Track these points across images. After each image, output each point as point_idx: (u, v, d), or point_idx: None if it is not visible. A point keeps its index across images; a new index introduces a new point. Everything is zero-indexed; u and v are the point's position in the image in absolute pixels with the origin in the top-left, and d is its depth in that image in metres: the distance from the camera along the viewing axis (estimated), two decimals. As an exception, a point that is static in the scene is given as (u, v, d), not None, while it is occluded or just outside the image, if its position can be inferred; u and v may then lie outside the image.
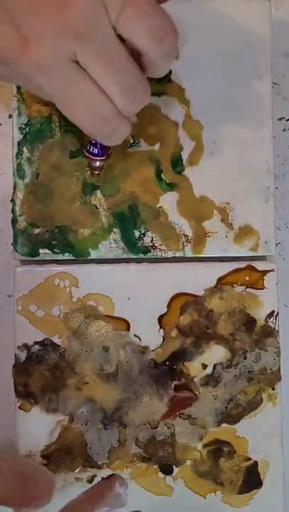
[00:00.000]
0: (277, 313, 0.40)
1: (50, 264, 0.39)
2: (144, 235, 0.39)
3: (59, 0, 0.28)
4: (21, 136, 0.39)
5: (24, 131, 0.39)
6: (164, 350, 0.39)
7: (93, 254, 0.39)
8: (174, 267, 0.39)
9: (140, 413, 0.39)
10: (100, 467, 0.39)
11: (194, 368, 0.39)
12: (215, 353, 0.39)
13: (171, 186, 0.39)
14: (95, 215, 0.39)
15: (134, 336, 0.39)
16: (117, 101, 0.30)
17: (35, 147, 0.39)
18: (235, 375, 0.39)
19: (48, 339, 0.39)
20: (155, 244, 0.39)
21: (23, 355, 0.38)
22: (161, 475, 0.39)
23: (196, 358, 0.39)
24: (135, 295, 0.39)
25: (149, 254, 0.39)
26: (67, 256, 0.39)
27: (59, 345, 0.39)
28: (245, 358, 0.39)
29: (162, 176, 0.39)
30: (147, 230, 0.39)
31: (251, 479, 0.39)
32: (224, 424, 0.39)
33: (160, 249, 0.39)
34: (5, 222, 0.41)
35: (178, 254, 0.39)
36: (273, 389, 0.39)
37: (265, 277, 0.40)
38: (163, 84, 0.39)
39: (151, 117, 0.39)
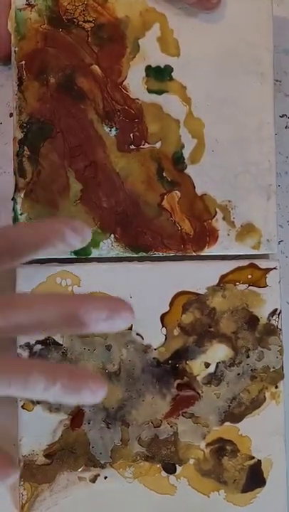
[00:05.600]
0: (280, 311, 0.39)
1: (52, 263, 0.39)
2: (145, 233, 0.39)
3: None
4: (22, 135, 0.39)
5: (25, 130, 0.39)
6: (167, 349, 0.39)
7: (95, 253, 0.39)
8: (176, 266, 0.39)
9: (143, 412, 0.39)
10: (102, 466, 0.39)
11: (197, 367, 0.39)
12: (217, 352, 0.39)
13: (172, 184, 0.39)
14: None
15: (137, 334, 0.39)
16: None
17: (36, 146, 0.39)
18: (238, 374, 0.39)
19: (50, 338, 0.39)
20: (157, 243, 0.39)
21: (25, 355, 0.38)
22: (164, 474, 0.39)
23: (198, 357, 0.39)
24: (137, 294, 0.39)
25: (150, 253, 0.39)
26: (68, 255, 0.39)
27: (61, 344, 0.39)
28: (248, 356, 0.39)
29: (164, 173, 0.39)
30: (149, 229, 0.39)
31: (255, 478, 0.39)
32: (227, 423, 0.39)
33: (162, 248, 0.39)
34: (6, 221, 0.41)
35: (180, 253, 0.39)
36: (276, 387, 0.39)
37: (267, 275, 0.39)
38: (164, 83, 0.39)
39: (153, 115, 0.39)
